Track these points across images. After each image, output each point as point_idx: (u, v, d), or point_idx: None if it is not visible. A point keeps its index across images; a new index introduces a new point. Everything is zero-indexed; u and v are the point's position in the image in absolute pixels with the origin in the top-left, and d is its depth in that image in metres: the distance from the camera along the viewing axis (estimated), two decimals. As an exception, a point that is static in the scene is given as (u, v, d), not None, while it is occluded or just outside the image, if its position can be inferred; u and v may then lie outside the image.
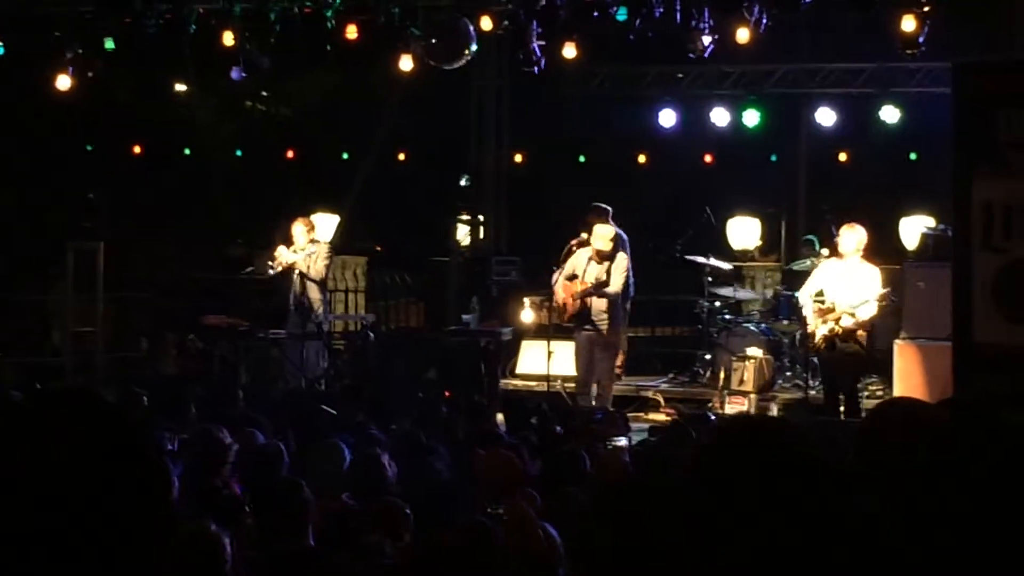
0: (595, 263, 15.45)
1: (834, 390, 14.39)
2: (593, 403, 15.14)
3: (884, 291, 14.06)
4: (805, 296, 14.51)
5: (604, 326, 15.42)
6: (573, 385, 15.88)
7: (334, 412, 12.00)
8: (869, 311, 14.03)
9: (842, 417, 13.75)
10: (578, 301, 15.40)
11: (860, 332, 14.12)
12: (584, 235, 15.88)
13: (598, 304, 15.40)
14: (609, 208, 16.62)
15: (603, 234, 15.56)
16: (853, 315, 13.93)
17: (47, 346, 19.86)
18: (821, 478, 2.55)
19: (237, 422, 9.69)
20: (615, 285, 15.36)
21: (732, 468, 2.56)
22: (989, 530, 2.87)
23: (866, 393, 15.84)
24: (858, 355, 14.29)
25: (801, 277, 16.18)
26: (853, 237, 14.19)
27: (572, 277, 15.52)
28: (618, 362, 16.41)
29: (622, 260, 15.51)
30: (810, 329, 14.40)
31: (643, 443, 11.59)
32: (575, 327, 15.68)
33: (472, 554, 5.78)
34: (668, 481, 3.06)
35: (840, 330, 14.03)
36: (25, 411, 2.38)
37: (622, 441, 11.81)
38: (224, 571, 5.53)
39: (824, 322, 14.10)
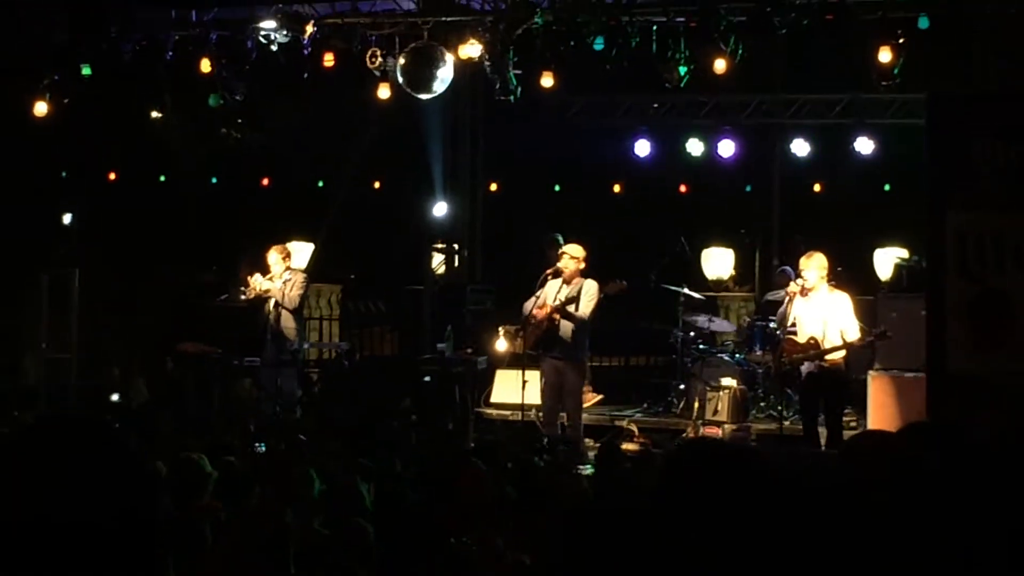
0: (565, 287, 15.30)
1: (813, 422, 14.32)
2: (563, 432, 15.07)
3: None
4: (780, 327, 14.50)
5: (570, 352, 15.28)
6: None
7: (308, 440, 11.95)
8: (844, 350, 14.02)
9: (823, 448, 13.68)
10: (544, 323, 15.21)
11: (841, 360, 14.11)
12: (559, 265, 15.83)
13: (565, 329, 15.22)
14: (559, 236, 16.72)
15: (575, 252, 15.42)
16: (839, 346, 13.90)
17: (20, 372, 19.74)
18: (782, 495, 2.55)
19: (212, 450, 9.66)
20: (584, 309, 15.19)
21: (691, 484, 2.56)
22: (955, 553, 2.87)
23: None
24: (842, 385, 14.29)
25: (775, 308, 16.19)
26: (814, 266, 14.12)
27: (543, 306, 15.41)
28: (584, 389, 16.33)
29: (592, 286, 15.36)
30: (786, 361, 14.35)
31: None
32: (541, 355, 15.53)
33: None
34: (632, 502, 3.06)
35: (827, 363, 13.98)
36: (30, 437, 2.38)
37: (587, 470, 11.77)
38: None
39: (808, 359, 14.02)
